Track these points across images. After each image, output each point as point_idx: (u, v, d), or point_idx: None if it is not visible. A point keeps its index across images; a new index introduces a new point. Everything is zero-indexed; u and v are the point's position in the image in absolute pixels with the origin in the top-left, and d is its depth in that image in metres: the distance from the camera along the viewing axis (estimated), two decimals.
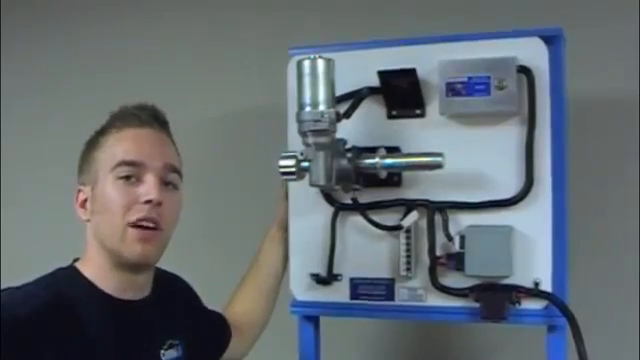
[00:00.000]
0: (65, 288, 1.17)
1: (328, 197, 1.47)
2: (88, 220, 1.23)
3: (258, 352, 1.57)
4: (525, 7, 1.77)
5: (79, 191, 1.25)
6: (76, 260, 1.26)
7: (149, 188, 1.20)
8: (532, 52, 1.34)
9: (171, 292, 1.35)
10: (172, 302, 1.34)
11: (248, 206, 1.98)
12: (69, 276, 1.21)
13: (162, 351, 1.26)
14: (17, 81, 2.24)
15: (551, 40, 1.35)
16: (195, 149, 2.07)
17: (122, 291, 1.22)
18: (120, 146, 1.22)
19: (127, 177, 1.20)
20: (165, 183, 1.24)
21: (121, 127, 1.24)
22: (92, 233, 1.23)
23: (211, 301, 1.51)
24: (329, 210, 1.47)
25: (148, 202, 1.19)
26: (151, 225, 1.20)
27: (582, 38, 1.59)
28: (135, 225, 1.19)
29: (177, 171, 1.27)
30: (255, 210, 1.64)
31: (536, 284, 1.34)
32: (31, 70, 2.24)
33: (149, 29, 2.15)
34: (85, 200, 1.24)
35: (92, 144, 1.25)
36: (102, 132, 1.25)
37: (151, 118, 1.26)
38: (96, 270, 1.21)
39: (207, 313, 1.48)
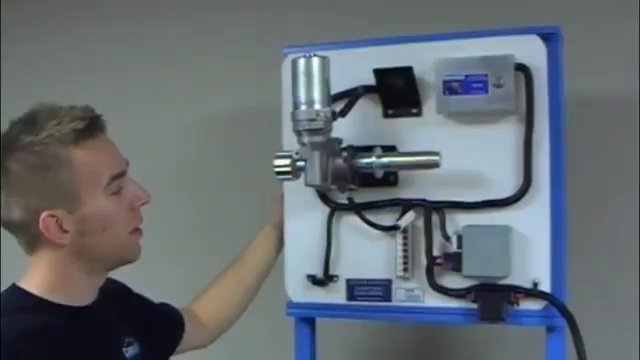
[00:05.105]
0: (20, 313, 1.12)
1: (324, 197, 1.45)
2: (65, 244, 1.14)
3: (254, 354, 1.56)
4: (523, 5, 1.76)
5: (51, 216, 1.12)
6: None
7: (137, 192, 1.20)
8: (530, 50, 1.33)
9: (110, 293, 1.29)
10: (116, 302, 1.30)
11: (243, 206, 1.97)
12: (19, 299, 1.15)
13: (124, 349, 1.25)
14: (17, 81, 2.23)
15: (549, 38, 1.34)
16: (190, 149, 2.08)
17: (78, 299, 1.19)
18: (98, 161, 1.15)
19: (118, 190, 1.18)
20: None
21: (82, 139, 1.14)
22: (67, 254, 1.15)
23: None
24: (325, 210, 1.45)
25: (143, 204, 1.20)
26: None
27: (581, 36, 1.59)
28: (135, 230, 1.21)
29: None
30: (250, 210, 1.62)
31: (535, 284, 1.32)
32: (31, 70, 2.24)
33: (146, 29, 2.15)
34: (61, 225, 1.13)
35: (43, 164, 1.12)
36: (45, 147, 1.12)
37: (100, 122, 1.19)
38: (50, 282, 1.16)
39: (154, 307, 1.43)
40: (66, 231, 1.14)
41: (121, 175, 1.19)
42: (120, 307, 1.30)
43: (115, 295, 1.29)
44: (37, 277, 1.17)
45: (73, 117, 1.14)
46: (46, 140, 1.12)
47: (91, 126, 1.16)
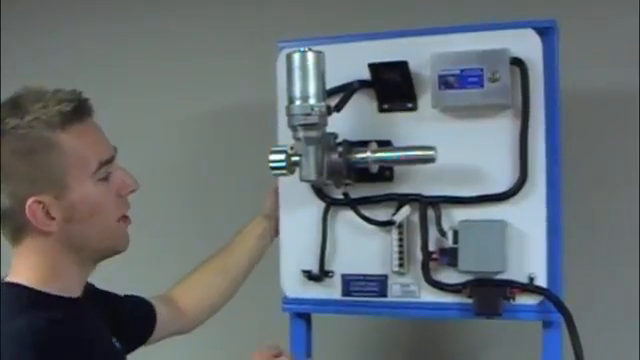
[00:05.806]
0: (21, 311, 1.08)
1: (319, 192, 1.45)
2: (52, 231, 1.11)
3: (249, 350, 1.55)
4: None
5: (38, 202, 1.09)
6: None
7: (125, 178, 1.19)
8: (525, 44, 1.33)
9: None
10: (88, 298, 1.26)
11: (238, 201, 1.96)
12: (17, 295, 1.12)
13: (113, 339, 1.24)
14: (17, 78, 2.22)
15: (545, 32, 1.33)
16: (185, 144, 2.08)
17: (70, 289, 1.17)
18: (87, 146, 1.13)
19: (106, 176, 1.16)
20: None
21: (69, 123, 1.11)
22: (55, 242, 1.12)
23: None
24: (320, 205, 1.45)
25: (131, 192, 1.20)
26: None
27: (580, 30, 1.58)
28: (123, 217, 1.20)
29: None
30: (245, 205, 1.61)
31: (531, 279, 1.32)
32: (31, 67, 2.22)
33: (145, 26, 2.15)
34: (47, 211, 1.10)
35: (29, 148, 1.09)
36: (31, 130, 1.09)
37: (88, 106, 1.16)
38: (42, 274, 1.13)
39: (120, 300, 1.40)
40: (53, 218, 1.11)
41: (110, 161, 1.16)
42: (93, 300, 1.27)
43: (86, 292, 1.25)
44: (27, 270, 1.13)
45: (59, 100, 1.12)
46: (32, 123, 1.09)
47: (78, 109, 1.13)
